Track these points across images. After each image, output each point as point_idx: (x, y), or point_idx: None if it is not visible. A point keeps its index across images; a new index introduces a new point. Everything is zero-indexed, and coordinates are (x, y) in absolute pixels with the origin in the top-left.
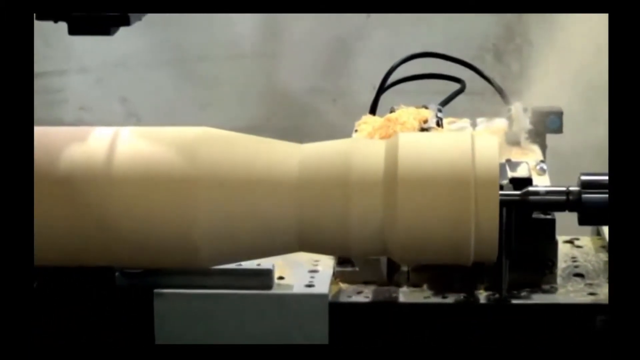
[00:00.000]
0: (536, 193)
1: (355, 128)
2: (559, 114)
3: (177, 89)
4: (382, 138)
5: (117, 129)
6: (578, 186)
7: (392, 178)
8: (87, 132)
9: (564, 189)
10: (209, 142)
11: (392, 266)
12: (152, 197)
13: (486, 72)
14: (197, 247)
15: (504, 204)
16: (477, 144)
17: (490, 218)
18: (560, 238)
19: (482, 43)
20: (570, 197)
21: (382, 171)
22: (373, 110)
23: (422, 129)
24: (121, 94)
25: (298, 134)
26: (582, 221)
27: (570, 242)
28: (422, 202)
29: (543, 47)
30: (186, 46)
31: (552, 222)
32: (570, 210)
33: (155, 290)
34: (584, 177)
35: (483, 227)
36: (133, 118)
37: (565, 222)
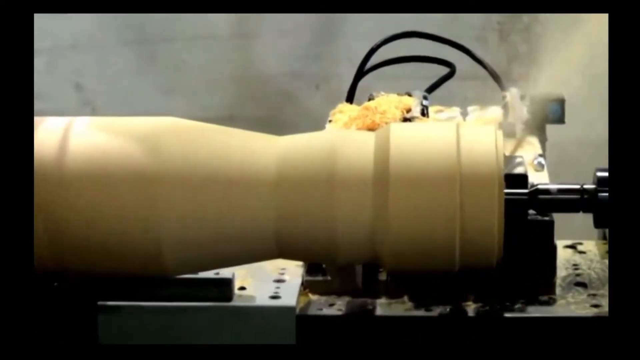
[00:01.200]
0: (546, 191)
1: (329, 118)
2: (560, 102)
3: (139, 74)
4: (359, 129)
5: (70, 119)
6: (594, 184)
7: (383, 175)
8: (36, 123)
9: (578, 187)
10: (175, 134)
11: (369, 274)
12: (108, 197)
13: (491, 55)
14: (161, 253)
15: (510, 204)
16: (478, 136)
17: (491, 218)
18: (560, 242)
19: (485, 22)
20: (585, 196)
21: (372, 167)
22: (350, 98)
23: (405, 119)
24: (75, 79)
25: (276, 125)
26: (598, 223)
27: (572, 247)
28: (416, 201)
29: (554, 26)
30: (149, 25)
31: (550, 225)
32: (585, 211)
33: (100, 303)
34: (600, 174)
35: (483, 228)
36: (88, 107)
37: (567, 223)
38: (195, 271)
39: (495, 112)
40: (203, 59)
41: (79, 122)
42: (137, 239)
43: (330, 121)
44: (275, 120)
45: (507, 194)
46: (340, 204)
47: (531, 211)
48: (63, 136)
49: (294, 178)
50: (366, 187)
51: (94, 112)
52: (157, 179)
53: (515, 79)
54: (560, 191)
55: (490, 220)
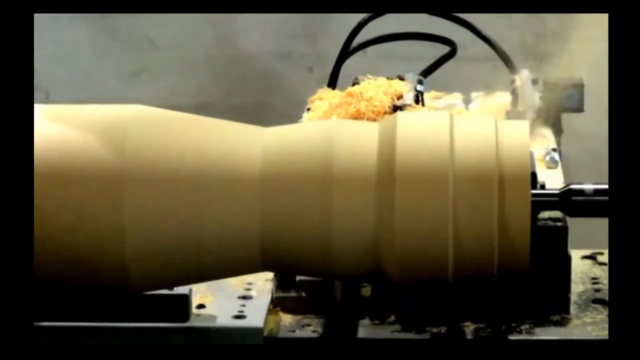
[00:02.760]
0: (580, 192)
1: (307, 105)
2: (579, 87)
3: (99, 53)
4: (340, 119)
5: None
6: None
7: (388, 172)
8: None
9: None
10: (142, 125)
11: (349, 290)
12: (65, 199)
13: (513, 32)
14: (125, 265)
15: (537, 206)
16: (502, 129)
17: (520, 222)
18: (576, 252)
19: None
20: None
21: (375, 162)
22: (333, 82)
23: (395, 107)
24: None
25: (263, 114)
26: None
27: (592, 257)
28: (424, 203)
29: None
30: None
31: (564, 231)
32: None
33: (36, 324)
34: None
35: (511, 233)
36: (40, 93)
37: (584, 230)
38: (165, 286)
39: (503, 98)
40: (176, 36)
41: None
42: (97, 248)
43: (308, 109)
44: (261, 109)
45: (534, 195)
46: (337, 206)
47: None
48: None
49: (282, 175)
50: (368, 186)
51: (47, 99)
52: (122, 179)
53: (541, 59)
54: (597, 192)
55: (526, 223)
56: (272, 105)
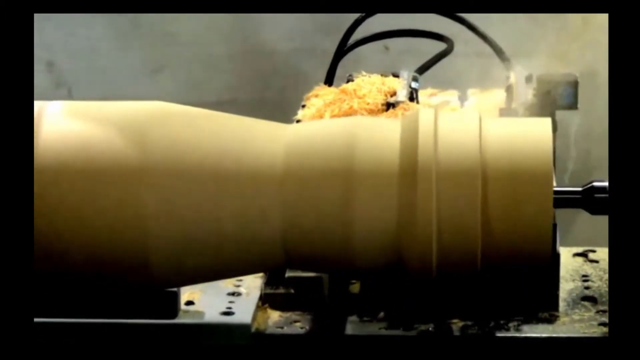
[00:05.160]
0: (604, 190)
1: (302, 102)
2: (573, 84)
3: (121, 49)
4: (334, 116)
5: (41, 104)
6: None
7: (410, 167)
8: None
9: None
10: (163, 122)
11: (338, 287)
12: (86, 195)
13: (538, 28)
14: (148, 261)
15: (560, 203)
16: (526, 127)
17: (544, 219)
18: (567, 250)
19: None
20: None
21: (397, 158)
22: (330, 79)
23: (388, 105)
24: (46, 56)
25: (284, 111)
26: None
27: (583, 254)
28: (446, 198)
29: None
30: None
31: (553, 228)
32: None
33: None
34: None
35: (533, 231)
36: (63, 89)
37: (578, 227)
38: (187, 283)
39: (499, 95)
40: (197, 32)
41: (51, 107)
42: (119, 244)
43: (303, 106)
44: (282, 105)
45: (557, 192)
46: (358, 201)
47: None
48: (34, 124)
49: (304, 171)
50: (390, 182)
51: (69, 95)
52: (142, 175)
53: (567, 58)
54: None
55: (550, 220)
56: (294, 102)
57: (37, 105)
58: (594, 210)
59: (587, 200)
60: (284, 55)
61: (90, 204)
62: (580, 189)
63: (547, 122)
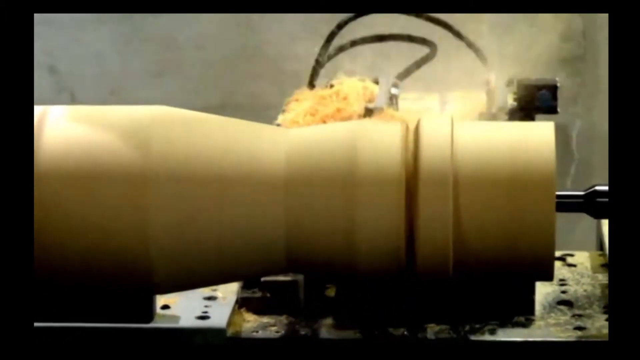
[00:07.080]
0: (605, 194)
1: (283, 107)
2: (552, 88)
3: (124, 53)
4: (313, 122)
5: (44, 108)
6: None
7: (411, 174)
8: None
9: None
10: (166, 126)
11: (313, 291)
12: (89, 199)
13: (543, 35)
14: (151, 266)
15: (562, 207)
16: (531, 132)
17: (545, 225)
18: None
19: None
20: None
21: (399, 164)
22: (311, 83)
23: (367, 110)
24: (49, 61)
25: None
26: None
27: (561, 259)
28: (447, 203)
29: None
30: None
31: None
32: None
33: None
34: None
35: (536, 235)
36: (65, 93)
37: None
38: (189, 287)
39: (480, 99)
40: (199, 36)
41: (54, 112)
42: (121, 248)
43: (284, 111)
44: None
45: (559, 196)
46: (361, 207)
47: None
48: (36, 129)
49: (306, 176)
50: (393, 187)
51: (72, 99)
52: (146, 179)
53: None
54: None
55: (552, 226)
56: None
57: (40, 109)
58: (596, 214)
59: (589, 204)
60: (287, 59)
61: (93, 209)
62: (582, 193)
63: (549, 126)
